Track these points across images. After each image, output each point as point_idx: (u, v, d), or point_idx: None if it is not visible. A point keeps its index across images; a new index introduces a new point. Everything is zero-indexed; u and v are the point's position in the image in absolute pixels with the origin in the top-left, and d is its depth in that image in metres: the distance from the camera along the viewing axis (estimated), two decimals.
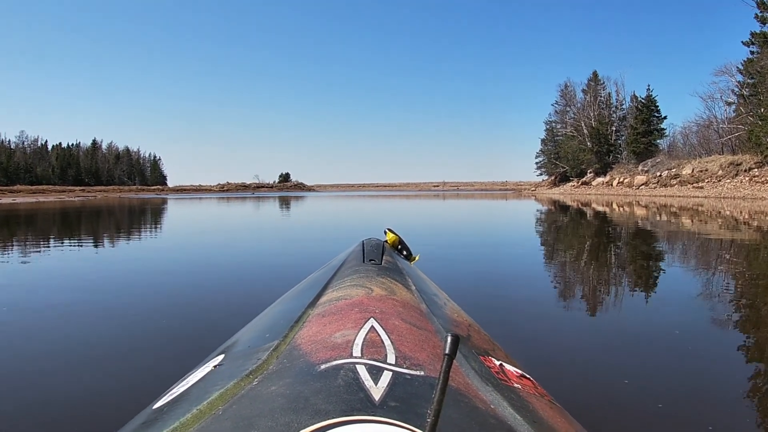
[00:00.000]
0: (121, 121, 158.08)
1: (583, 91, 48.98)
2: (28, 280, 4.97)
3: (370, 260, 1.69)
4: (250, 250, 7.45)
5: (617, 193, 36.14)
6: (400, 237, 2.30)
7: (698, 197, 26.52)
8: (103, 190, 73.77)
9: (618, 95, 46.98)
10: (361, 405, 0.64)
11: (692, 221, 11.86)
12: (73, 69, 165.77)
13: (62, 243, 8.26)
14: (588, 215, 15.80)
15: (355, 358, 0.80)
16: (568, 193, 42.02)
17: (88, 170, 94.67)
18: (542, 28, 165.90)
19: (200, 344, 2.32)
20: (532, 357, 2.35)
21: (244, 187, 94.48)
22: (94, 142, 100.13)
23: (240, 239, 9.14)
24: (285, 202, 29.94)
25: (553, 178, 52.95)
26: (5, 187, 65.23)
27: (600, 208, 19.09)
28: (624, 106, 46.61)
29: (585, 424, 0.97)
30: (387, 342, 0.88)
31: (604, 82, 47.43)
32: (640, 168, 37.83)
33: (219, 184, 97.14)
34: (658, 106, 42.00)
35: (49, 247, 7.70)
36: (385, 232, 2.34)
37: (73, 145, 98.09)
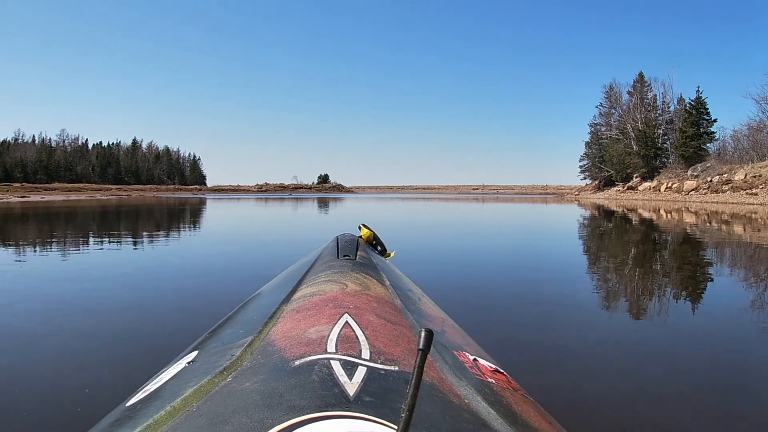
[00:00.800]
0: (162, 121, 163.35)
1: (629, 92, 47.68)
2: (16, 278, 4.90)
3: (345, 256, 1.72)
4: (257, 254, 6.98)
5: (665, 198, 34.97)
6: (374, 233, 2.34)
7: (753, 204, 25.33)
8: (140, 189, 74.56)
9: (665, 97, 45.64)
10: (336, 400, 0.66)
11: (744, 229, 11.32)
12: (115, 69, 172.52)
13: (52, 240, 7.69)
14: (639, 221, 15.18)
15: (330, 353, 0.82)
16: (614, 198, 41.01)
17: (128, 169, 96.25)
18: (585, 28, 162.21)
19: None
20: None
21: (283, 188, 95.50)
22: (134, 142, 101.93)
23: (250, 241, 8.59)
24: (323, 204, 29.99)
25: (597, 182, 51.82)
26: (41, 185, 66.75)
27: (649, 215, 18.43)
28: (671, 109, 45.09)
29: (558, 417, 1.01)
30: (361, 337, 0.90)
31: (650, 84, 46.25)
32: (689, 173, 36.53)
33: (257, 184, 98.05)
34: (707, 109, 40.72)
35: (38, 245, 7.46)
36: (360, 228, 2.38)
37: (113, 144, 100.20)
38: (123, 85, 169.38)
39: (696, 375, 2.44)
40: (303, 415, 0.62)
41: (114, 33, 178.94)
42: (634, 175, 44.35)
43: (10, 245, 8.12)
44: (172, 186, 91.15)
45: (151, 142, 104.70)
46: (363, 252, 1.88)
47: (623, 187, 44.81)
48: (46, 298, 3.98)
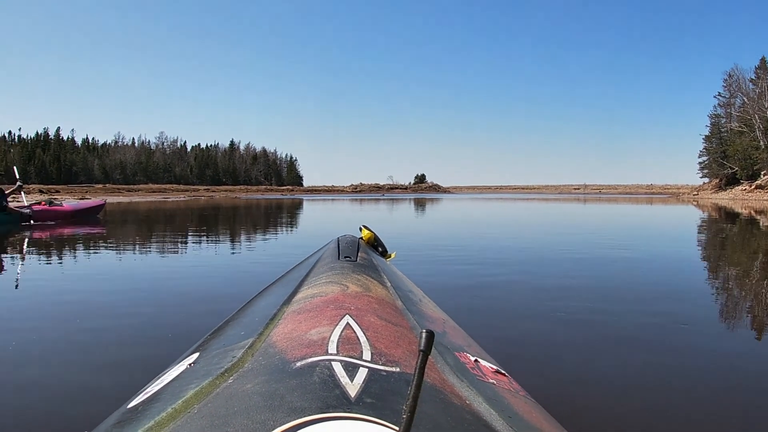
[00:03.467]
0: (260, 122, 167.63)
1: (751, 80, 43.03)
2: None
3: (346, 257, 1.73)
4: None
5: None
6: (375, 234, 2.35)
7: None
8: (229, 190, 75.31)
9: None
10: (337, 402, 0.67)
11: None
12: (213, 73, 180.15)
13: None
14: None
15: (331, 355, 0.83)
16: (739, 199, 37.04)
17: (225, 170, 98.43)
18: (700, 10, 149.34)
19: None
20: None
21: (378, 188, 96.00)
22: (232, 143, 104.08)
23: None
24: (420, 205, 29.27)
25: (718, 180, 47.18)
26: (123, 186, 68.28)
27: None
28: None
29: (560, 419, 1.01)
30: (362, 339, 0.92)
31: None
32: None
33: (352, 184, 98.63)
34: None
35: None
36: (361, 229, 2.39)
37: (211, 145, 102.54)
38: (221, 88, 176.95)
39: (708, 375, 2.41)
40: (305, 416, 0.63)
41: (210, 38, 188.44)
42: (762, 172, 39.98)
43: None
44: (262, 187, 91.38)
45: (248, 144, 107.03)
46: (364, 253, 1.89)
47: (750, 186, 40.49)
48: (48, 303, 3.95)
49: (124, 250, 7.67)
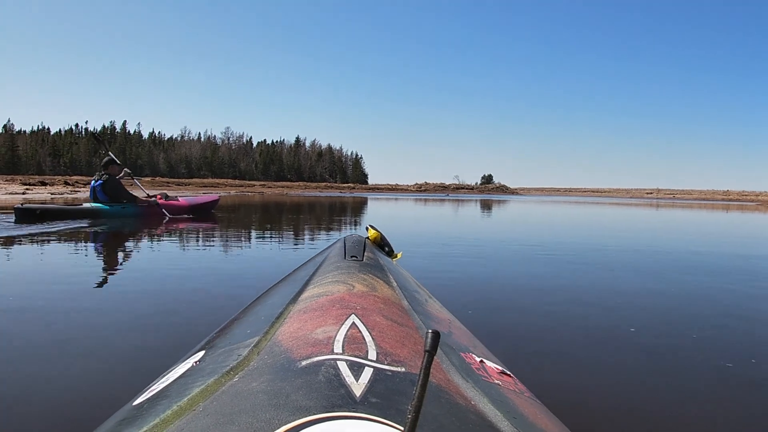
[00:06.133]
0: (326, 119, 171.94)
1: None
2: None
3: (352, 257, 1.74)
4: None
5: None
6: (382, 234, 2.36)
7: None
8: (287, 186, 73.62)
9: None
10: (342, 401, 0.67)
11: None
12: (281, 70, 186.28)
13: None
14: None
15: (336, 354, 0.84)
16: None
17: (290, 166, 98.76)
18: None
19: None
20: None
21: (443, 188, 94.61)
22: (298, 140, 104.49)
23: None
24: (486, 207, 27.14)
25: None
26: (173, 180, 67.33)
27: None
28: None
29: (565, 420, 1.01)
30: (368, 338, 0.93)
31: None
32: None
33: (416, 183, 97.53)
34: None
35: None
36: (367, 229, 2.41)
37: (277, 141, 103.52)
38: (289, 86, 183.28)
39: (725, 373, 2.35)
40: (310, 415, 0.63)
41: (277, 37, 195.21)
42: None
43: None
44: (323, 184, 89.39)
45: (314, 141, 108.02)
46: (370, 253, 1.90)
47: None
48: (50, 298, 3.78)
49: (241, 246, 7.24)
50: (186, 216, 11.51)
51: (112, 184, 10.21)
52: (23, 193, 25.98)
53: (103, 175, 10.23)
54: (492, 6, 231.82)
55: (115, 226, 9.08)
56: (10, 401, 1.89)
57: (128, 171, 10.78)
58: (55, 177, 51.06)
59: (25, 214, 9.24)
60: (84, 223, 9.16)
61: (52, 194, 26.94)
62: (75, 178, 49.27)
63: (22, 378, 2.12)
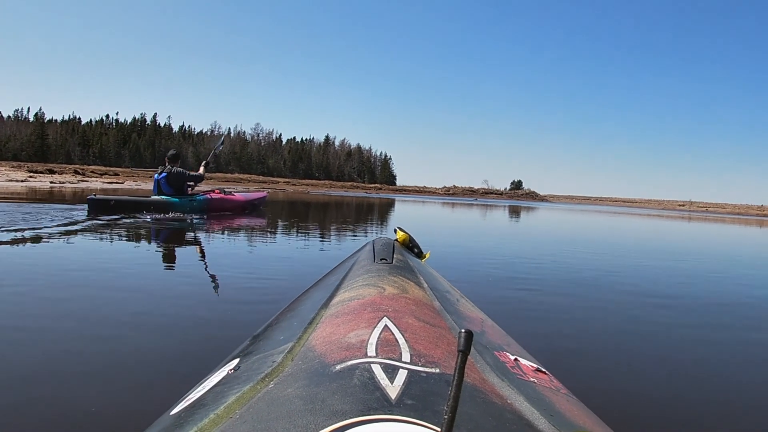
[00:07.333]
0: (356, 119, 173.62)
1: None
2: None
3: (381, 259, 1.74)
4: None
5: None
6: (410, 235, 2.36)
7: None
8: (311, 185, 73.19)
9: None
10: (378, 404, 0.67)
11: None
12: (314, 69, 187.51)
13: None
14: None
15: (370, 357, 0.84)
16: None
17: (318, 165, 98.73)
18: None
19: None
20: None
21: (472, 192, 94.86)
22: (327, 138, 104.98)
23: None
24: (514, 213, 26.45)
25: None
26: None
27: None
28: None
29: (602, 416, 1.00)
30: (401, 340, 0.93)
31: None
32: None
33: (444, 186, 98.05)
34: None
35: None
36: (395, 231, 2.41)
37: (306, 139, 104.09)
38: (320, 86, 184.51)
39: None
40: (346, 419, 0.64)
41: (305, 34, 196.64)
42: None
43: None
44: (349, 183, 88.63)
45: (343, 140, 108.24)
46: (399, 255, 1.90)
47: None
48: (75, 308, 3.52)
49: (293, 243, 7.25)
50: (242, 211, 11.86)
51: (176, 177, 10.31)
52: (23, 181, 26.43)
53: (167, 167, 10.30)
54: (523, 14, 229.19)
55: (183, 223, 9.03)
56: (47, 413, 1.87)
57: (207, 160, 11.21)
58: (68, 166, 50.61)
59: (98, 206, 9.36)
60: (154, 217, 9.25)
61: (52, 183, 27.09)
62: (102, 168, 50.08)
63: (58, 389, 2.09)
